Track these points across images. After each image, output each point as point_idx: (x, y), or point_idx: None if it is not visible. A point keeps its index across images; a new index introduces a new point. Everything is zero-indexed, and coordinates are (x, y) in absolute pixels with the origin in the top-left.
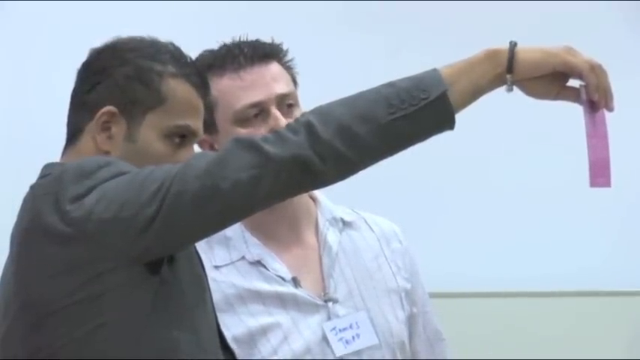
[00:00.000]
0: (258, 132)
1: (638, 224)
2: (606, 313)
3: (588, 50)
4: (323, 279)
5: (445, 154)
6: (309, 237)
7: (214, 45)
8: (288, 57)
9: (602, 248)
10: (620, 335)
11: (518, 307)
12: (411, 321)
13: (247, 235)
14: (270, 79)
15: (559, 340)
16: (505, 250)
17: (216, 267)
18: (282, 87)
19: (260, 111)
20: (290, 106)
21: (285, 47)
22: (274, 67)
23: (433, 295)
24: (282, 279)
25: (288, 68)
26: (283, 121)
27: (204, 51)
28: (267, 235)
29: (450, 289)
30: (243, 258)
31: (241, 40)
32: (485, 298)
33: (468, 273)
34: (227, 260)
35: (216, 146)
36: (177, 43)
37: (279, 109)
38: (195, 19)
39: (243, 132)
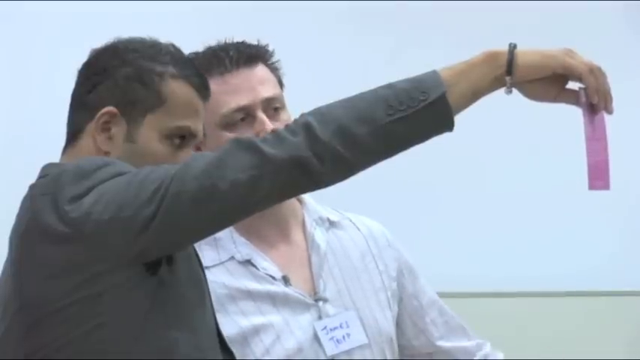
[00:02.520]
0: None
1: (638, 224)
2: (606, 313)
3: (588, 50)
4: (312, 278)
5: (446, 154)
6: (297, 236)
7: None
8: (274, 58)
9: (602, 248)
10: (620, 335)
11: (518, 307)
12: (416, 316)
13: (235, 235)
14: (256, 83)
15: (559, 340)
16: (505, 250)
17: (206, 267)
18: (268, 90)
19: (246, 115)
20: (276, 109)
21: (270, 48)
22: (260, 70)
23: None
24: (273, 278)
25: (274, 70)
26: (270, 125)
27: (190, 53)
28: (255, 235)
29: (449, 289)
30: (232, 258)
31: (227, 42)
32: (485, 298)
33: (467, 273)
34: (216, 260)
35: (203, 149)
36: (178, 43)
37: (266, 113)
38: (195, 18)
39: (229, 136)
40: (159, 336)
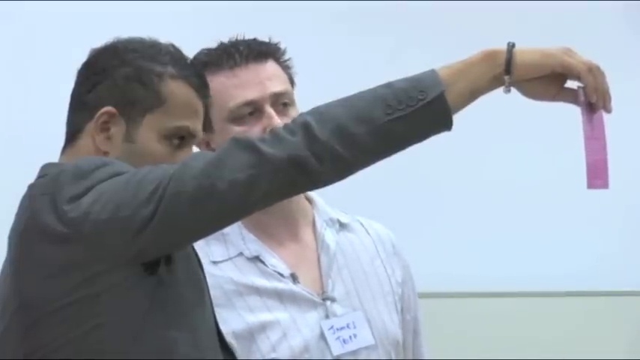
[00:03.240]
0: (252, 130)
1: (638, 224)
2: (606, 313)
3: (588, 50)
4: (321, 277)
5: (446, 154)
6: (307, 235)
7: (213, 45)
8: (286, 56)
9: (602, 248)
10: (620, 335)
11: (518, 307)
12: (404, 327)
13: (244, 231)
14: (264, 78)
15: (559, 340)
16: (505, 250)
17: (214, 262)
18: (276, 85)
19: (254, 109)
20: (285, 105)
21: (282, 46)
22: (270, 66)
23: (432, 295)
24: (281, 275)
25: (285, 67)
26: (277, 120)
27: (202, 49)
28: (265, 233)
29: (449, 289)
30: (240, 254)
31: (238, 39)
32: (485, 298)
33: (467, 273)
34: (225, 256)
35: (212, 145)
36: (177, 43)
37: (274, 108)
38: (195, 18)
39: (237, 130)
40: (158, 336)
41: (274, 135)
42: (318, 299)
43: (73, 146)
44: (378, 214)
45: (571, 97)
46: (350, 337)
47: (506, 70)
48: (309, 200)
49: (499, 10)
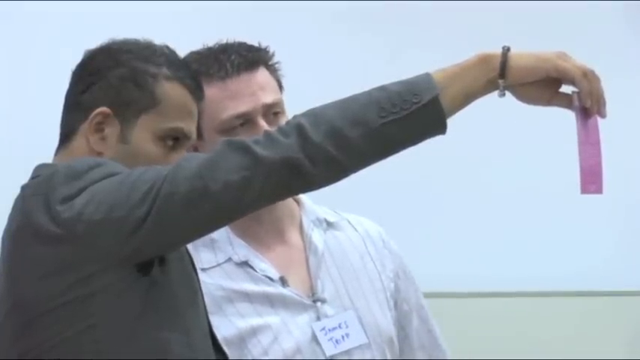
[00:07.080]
0: None
1: (637, 224)
2: (606, 313)
3: (589, 50)
4: (310, 279)
5: (447, 155)
6: (294, 238)
7: (209, 45)
8: (274, 60)
9: (602, 248)
10: (620, 335)
11: (518, 307)
12: (404, 320)
13: (232, 236)
14: (257, 88)
15: (559, 340)
16: (505, 250)
17: (203, 269)
18: (268, 96)
19: (246, 121)
20: (276, 114)
21: (271, 50)
22: (261, 75)
23: (433, 295)
24: (270, 279)
25: (274, 71)
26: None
27: (190, 53)
28: (252, 237)
29: (449, 289)
30: (229, 259)
31: (227, 43)
32: (485, 298)
33: (467, 273)
34: (213, 262)
35: (200, 151)
36: (177, 43)
37: (265, 118)
38: (195, 18)
39: None
40: (151, 336)
41: (268, 137)
42: (308, 301)
43: (67, 147)
44: (377, 214)
45: (566, 101)
46: (342, 336)
47: (500, 74)
48: (296, 201)
49: (499, 10)
